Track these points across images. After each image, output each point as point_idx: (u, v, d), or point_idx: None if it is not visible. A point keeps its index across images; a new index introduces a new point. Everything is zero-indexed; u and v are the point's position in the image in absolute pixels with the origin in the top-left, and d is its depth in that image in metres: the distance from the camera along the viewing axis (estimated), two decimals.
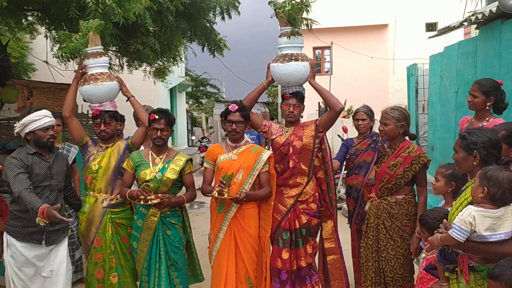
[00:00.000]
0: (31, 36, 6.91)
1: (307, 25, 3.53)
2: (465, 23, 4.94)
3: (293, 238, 3.41)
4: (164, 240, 3.37)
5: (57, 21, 5.93)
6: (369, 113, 4.31)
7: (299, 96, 3.50)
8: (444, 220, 2.25)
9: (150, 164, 3.37)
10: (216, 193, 3.16)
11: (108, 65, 3.73)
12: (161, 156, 3.41)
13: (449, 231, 2.11)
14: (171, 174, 3.34)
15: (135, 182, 3.54)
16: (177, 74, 13.21)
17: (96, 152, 3.59)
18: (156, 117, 3.30)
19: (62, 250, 3.41)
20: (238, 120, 3.34)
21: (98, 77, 3.48)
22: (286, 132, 3.55)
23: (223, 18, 6.29)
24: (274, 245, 3.47)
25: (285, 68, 3.40)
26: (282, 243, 3.40)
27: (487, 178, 2.06)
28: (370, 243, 3.38)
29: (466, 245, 2.08)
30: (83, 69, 3.53)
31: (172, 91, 14.14)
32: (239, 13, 6.43)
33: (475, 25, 4.94)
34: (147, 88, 9.44)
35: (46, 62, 7.10)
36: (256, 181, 3.43)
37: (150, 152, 3.45)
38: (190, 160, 3.51)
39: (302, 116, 3.76)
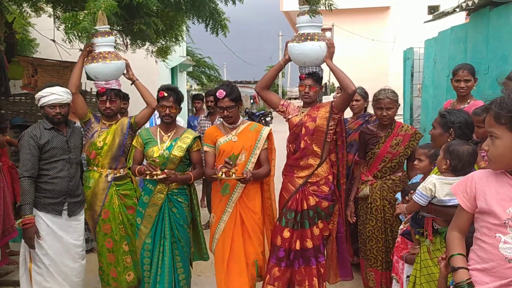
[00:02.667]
0: (36, 14, 7.04)
1: (326, 5, 3.45)
2: (457, 10, 5.11)
3: (297, 219, 3.37)
4: (169, 217, 3.38)
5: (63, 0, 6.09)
6: (363, 94, 4.56)
7: (315, 77, 3.43)
8: (412, 190, 2.54)
9: (158, 141, 3.39)
10: (223, 174, 3.08)
11: (115, 44, 3.80)
12: (169, 134, 3.43)
13: (412, 196, 2.41)
14: (178, 151, 3.36)
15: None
16: (178, 53, 13.33)
17: (100, 129, 3.68)
18: (165, 94, 3.31)
19: (80, 221, 3.56)
20: (228, 105, 3.30)
21: (106, 55, 3.56)
22: (302, 112, 3.51)
23: (226, 3, 6.42)
24: (278, 222, 3.47)
25: (301, 48, 3.34)
26: (285, 222, 3.39)
27: (449, 152, 2.32)
28: (379, 224, 3.61)
29: (429, 208, 2.39)
30: (90, 47, 3.60)
31: (173, 71, 14.28)
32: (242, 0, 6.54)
33: (466, 11, 5.11)
34: (148, 67, 9.58)
35: (54, 41, 7.24)
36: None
37: (158, 129, 3.47)
38: (199, 137, 3.52)
39: (321, 99, 3.85)
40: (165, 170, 3.25)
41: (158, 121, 5.29)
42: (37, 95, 3.37)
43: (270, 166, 3.41)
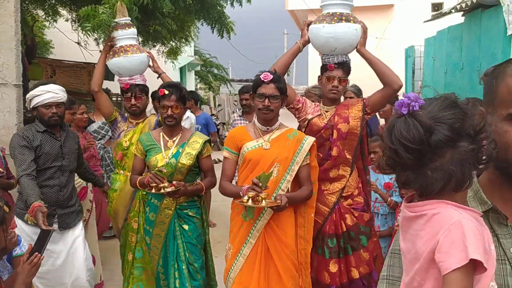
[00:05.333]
0: (53, 17, 7.44)
1: None
2: (453, 11, 5.43)
3: (341, 244, 2.77)
4: (181, 236, 2.89)
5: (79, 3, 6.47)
6: (356, 91, 4.52)
7: (346, 67, 2.85)
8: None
9: (162, 147, 2.89)
10: (250, 200, 2.38)
11: (137, 37, 3.53)
12: (174, 139, 2.93)
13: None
14: (186, 159, 2.86)
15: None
16: (186, 53, 13.73)
17: (126, 128, 3.37)
18: (166, 92, 2.82)
19: (77, 234, 3.15)
20: (272, 94, 2.57)
21: (128, 49, 3.31)
22: (326, 112, 2.88)
23: (232, 5, 6.77)
24: (317, 255, 2.80)
25: (333, 30, 2.72)
26: (329, 252, 2.75)
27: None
28: None
29: None
30: (112, 42, 3.36)
31: (181, 70, 14.69)
32: (250, 1, 6.87)
33: (462, 12, 5.44)
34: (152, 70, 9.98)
35: (78, 43, 7.60)
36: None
37: (161, 133, 2.95)
38: (208, 141, 3.03)
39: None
40: (174, 182, 2.75)
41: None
42: (29, 95, 3.01)
43: (311, 187, 2.68)
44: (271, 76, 2.58)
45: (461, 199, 1.00)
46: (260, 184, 2.38)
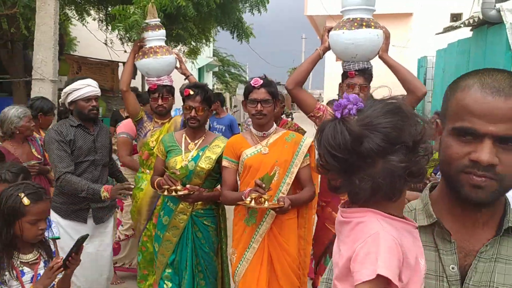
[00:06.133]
0: (81, 18, 7.86)
1: None
2: (462, 25, 5.68)
3: None
4: (193, 243, 2.84)
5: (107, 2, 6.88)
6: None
7: (367, 75, 2.81)
8: None
9: (183, 150, 2.82)
10: (253, 202, 2.37)
11: (165, 38, 3.62)
12: (196, 141, 2.86)
13: None
14: (205, 163, 2.78)
15: None
16: (205, 54, 14.13)
17: (152, 128, 3.42)
18: (191, 92, 2.76)
19: (108, 229, 3.26)
20: (264, 98, 2.57)
21: (157, 50, 3.37)
22: None
23: (252, 13, 7.11)
24: (322, 265, 2.82)
25: (353, 37, 2.67)
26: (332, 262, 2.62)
27: None
28: None
29: None
30: (141, 42, 3.44)
31: (200, 71, 15.10)
32: (266, 10, 7.19)
33: (470, 27, 5.68)
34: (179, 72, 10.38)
35: (105, 43, 7.96)
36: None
37: (184, 135, 2.89)
38: None
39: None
40: (188, 186, 2.69)
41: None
42: (68, 89, 3.06)
43: (314, 188, 2.66)
44: (261, 81, 2.60)
45: (397, 209, 0.97)
46: (264, 185, 2.36)
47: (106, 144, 3.27)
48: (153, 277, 3.30)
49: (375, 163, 0.90)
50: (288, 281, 2.57)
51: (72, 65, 8.80)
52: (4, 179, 2.13)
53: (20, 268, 1.89)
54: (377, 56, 2.76)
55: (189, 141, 2.86)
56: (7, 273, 1.85)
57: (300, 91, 2.80)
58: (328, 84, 23.98)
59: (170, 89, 3.40)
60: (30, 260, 1.94)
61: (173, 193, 2.65)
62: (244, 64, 27.92)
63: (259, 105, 2.57)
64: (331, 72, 22.99)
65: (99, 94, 3.18)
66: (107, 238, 3.25)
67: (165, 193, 2.67)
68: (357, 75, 2.77)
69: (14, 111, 3.42)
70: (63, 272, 1.92)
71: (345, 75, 2.85)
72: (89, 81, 3.12)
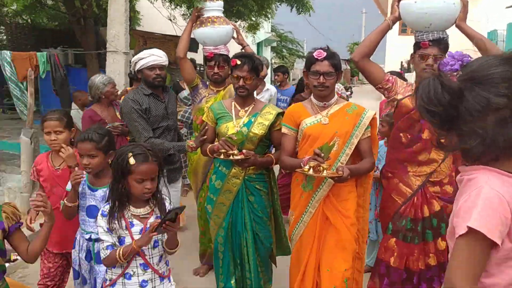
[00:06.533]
0: None
1: None
2: None
3: (419, 229, 2.65)
4: (247, 206, 2.88)
5: None
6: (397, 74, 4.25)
7: (443, 45, 2.62)
8: None
9: (233, 116, 2.87)
10: (311, 170, 2.39)
11: (223, 10, 3.69)
12: (246, 108, 2.88)
13: None
14: (258, 129, 2.81)
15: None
16: (264, 29, 14.18)
17: (207, 94, 3.52)
18: (238, 62, 2.78)
19: (177, 189, 3.48)
20: (327, 71, 2.53)
21: (215, 20, 3.46)
22: None
23: None
24: (388, 235, 2.74)
25: (427, 5, 2.53)
26: (392, 229, 2.69)
27: None
28: None
29: None
30: (199, 12, 3.54)
31: (258, 45, 15.20)
32: None
33: None
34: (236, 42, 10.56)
35: (170, 20, 8.25)
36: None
37: (233, 103, 2.92)
38: (281, 114, 2.92)
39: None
40: (244, 151, 2.72)
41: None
42: (135, 58, 3.26)
43: (373, 159, 2.66)
44: (325, 53, 2.53)
45: None
46: (322, 154, 2.36)
47: (175, 110, 3.47)
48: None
49: (484, 116, 0.84)
50: (347, 245, 2.55)
51: (138, 39, 9.23)
52: (91, 139, 2.31)
53: (130, 220, 2.01)
54: (454, 25, 2.60)
55: (239, 108, 2.88)
56: (116, 222, 1.98)
57: (368, 62, 2.72)
58: (389, 58, 23.18)
59: (226, 58, 3.45)
60: (141, 214, 2.04)
61: (230, 157, 2.67)
62: (302, 40, 27.61)
63: (321, 77, 2.52)
64: (392, 45, 22.18)
65: (164, 64, 3.26)
66: (176, 197, 3.46)
67: (222, 156, 2.69)
68: (431, 45, 2.59)
69: (100, 79, 3.79)
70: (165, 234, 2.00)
71: (417, 46, 2.68)
72: (154, 50, 3.24)
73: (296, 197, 2.70)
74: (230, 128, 2.80)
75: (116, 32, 4.62)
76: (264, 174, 2.91)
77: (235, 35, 3.63)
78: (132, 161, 1.94)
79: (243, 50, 3.59)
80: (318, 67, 2.53)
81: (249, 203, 2.87)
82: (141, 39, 9.28)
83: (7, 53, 5.28)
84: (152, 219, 2.03)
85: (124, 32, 4.66)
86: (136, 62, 3.23)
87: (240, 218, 2.88)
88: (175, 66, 9.60)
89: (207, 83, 3.61)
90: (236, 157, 2.66)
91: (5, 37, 10.18)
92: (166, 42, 9.46)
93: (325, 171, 2.37)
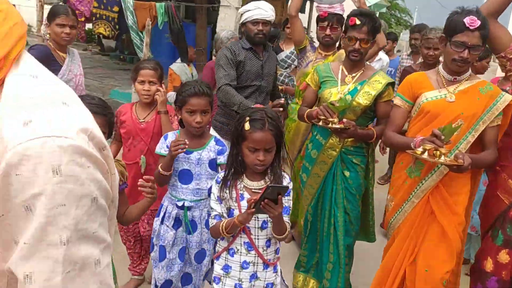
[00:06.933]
0: None
1: None
2: None
3: None
4: (341, 181, 2.65)
5: None
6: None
7: None
8: None
9: (339, 81, 2.61)
10: (426, 154, 2.03)
11: None
12: (354, 74, 2.61)
13: None
14: (363, 99, 2.54)
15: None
16: None
17: (314, 59, 3.29)
18: (357, 22, 2.47)
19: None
20: (476, 44, 2.09)
21: None
22: None
23: None
24: (489, 238, 2.35)
25: None
26: (503, 239, 2.26)
27: None
28: None
29: None
30: None
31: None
32: None
33: None
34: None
35: None
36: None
37: (341, 66, 2.66)
38: (392, 84, 2.61)
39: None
40: (344, 120, 2.45)
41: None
42: (241, 10, 3.12)
43: (497, 153, 2.24)
44: (479, 22, 2.05)
45: None
46: (443, 137, 2.01)
47: (272, 72, 3.23)
48: None
49: None
50: (450, 244, 2.21)
51: None
52: (207, 93, 2.15)
53: (241, 192, 1.85)
54: None
55: (346, 73, 2.63)
56: (228, 191, 1.84)
57: (494, 23, 2.21)
58: None
59: (340, 19, 3.17)
60: (254, 187, 1.86)
61: (329, 125, 2.43)
62: (413, 7, 25.78)
63: (466, 51, 2.10)
64: None
65: (269, 19, 3.03)
66: None
67: (320, 123, 2.46)
68: None
69: (225, 33, 3.89)
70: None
71: None
72: (262, 3, 3.03)
73: (399, 181, 2.40)
74: (334, 94, 2.58)
75: None
76: (363, 148, 2.66)
77: None
78: (247, 126, 1.76)
79: None
80: (466, 38, 2.08)
81: (343, 178, 2.65)
82: None
83: (130, 2, 5.63)
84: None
85: None
86: (242, 14, 3.08)
87: (329, 193, 2.68)
88: (278, 27, 9.53)
89: (316, 46, 3.40)
90: (335, 126, 2.42)
91: None
92: (273, 1, 9.32)
93: (442, 157, 2.01)
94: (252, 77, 3.04)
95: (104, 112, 1.80)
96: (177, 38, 5.36)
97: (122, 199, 1.80)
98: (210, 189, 2.02)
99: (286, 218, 1.84)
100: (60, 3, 5.62)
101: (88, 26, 8.22)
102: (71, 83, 2.84)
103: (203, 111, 2.14)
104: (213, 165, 2.24)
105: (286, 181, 1.88)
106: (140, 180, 1.81)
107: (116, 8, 7.77)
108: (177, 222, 2.24)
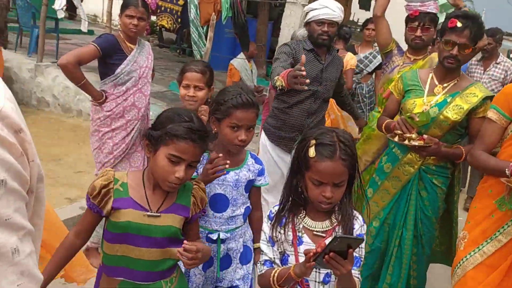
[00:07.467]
0: None
1: None
2: None
3: None
4: (415, 201, 2.36)
5: None
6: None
7: None
8: None
9: (425, 91, 2.32)
10: None
11: None
12: (445, 84, 2.31)
13: None
14: (452, 113, 2.23)
15: None
16: None
17: (402, 63, 2.98)
18: (458, 25, 2.15)
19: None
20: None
21: None
22: None
23: None
24: None
25: None
26: None
27: None
28: None
29: None
30: None
31: None
32: None
33: None
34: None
35: None
36: None
37: (431, 74, 2.36)
38: (490, 98, 2.23)
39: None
40: (424, 136, 2.22)
41: None
42: (306, 8, 2.94)
43: None
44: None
45: None
46: None
47: (334, 77, 2.97)
48: None
49: None
50: None
51: None
52: (255, 105, 1.78)
53: (300, 234, 1.46)
54: None
55: (437, 82, 2.32)
56: (282, 231, 1.47)
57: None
58: None
59: (433, 18, 2.81)
60: (316, 229, 1.47)
61: (406, 142, 2.20)
62: (480, 10, 24.39)
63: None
64: None
65: (336, 20, 2.82)
66: None
67: (395, 139, 2.23)
68: None
69: (301, 32, 3.73)
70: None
71: None
72: (329, 2, 2.79)
73: (481, 214, 1.96)
74: (418, 105, 2.29)
75: None
76: (447, 169, 2.34)
77: None
78: (312, 152, 1.38)
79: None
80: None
81: (419, 198, 2.35)
82: None
83: None
84: (327, 241, 1.30)
85: None
86: (307, 12, 2.86)
87: (400, 213, 2.38)
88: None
89: (404, 50, 3.06)
90: (413, 143, 2.17)
91: None
92: None
93: None
94: (310, 80, 2.81)
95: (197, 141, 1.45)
96: (241, 32, 5.34)
97: (194, 228, 1.57)
98: (246, 212, 1.77)
99: (356, 272, 1.44)
100: None
101: (152, 18, 8.43)
102: (134, 73, 2.82)
103: (249, 127, 1.74)
104: (249, 187, 1.87)
105: (359, 223, 1.50)
106: (185, 242, 1.42)
107: (181, 2, 7.90)
108: (209, 260, 1.77)
